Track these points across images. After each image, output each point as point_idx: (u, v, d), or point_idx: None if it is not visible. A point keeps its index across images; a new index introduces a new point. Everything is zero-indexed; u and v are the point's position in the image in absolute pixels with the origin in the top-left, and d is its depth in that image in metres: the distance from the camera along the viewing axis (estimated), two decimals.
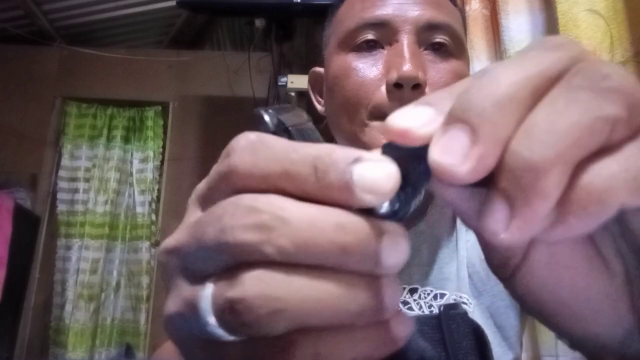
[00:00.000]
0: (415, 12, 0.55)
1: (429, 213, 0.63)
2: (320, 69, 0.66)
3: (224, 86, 2.82)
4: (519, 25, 1.09)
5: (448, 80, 0.55)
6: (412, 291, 0.59)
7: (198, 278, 0.19)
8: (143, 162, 2.88)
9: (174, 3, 2.01)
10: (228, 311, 0.18)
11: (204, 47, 3.12)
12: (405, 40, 0.54)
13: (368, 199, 0.17)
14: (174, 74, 2.93)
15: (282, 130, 0.22)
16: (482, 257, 0.62)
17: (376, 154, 0.18)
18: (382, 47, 0.56)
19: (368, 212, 0.18)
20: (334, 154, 0.18)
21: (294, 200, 0.18)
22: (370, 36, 0.56)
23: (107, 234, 2.74)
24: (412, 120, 0.19)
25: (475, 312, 0.57)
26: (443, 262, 0.60)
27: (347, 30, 0.58)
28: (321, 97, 0.66)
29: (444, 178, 0.18)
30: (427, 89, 0.53)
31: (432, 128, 0.18)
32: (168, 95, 2.90)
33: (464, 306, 0.57)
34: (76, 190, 2.79)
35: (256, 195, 0.19)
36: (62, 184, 2.78)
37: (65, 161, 2.81)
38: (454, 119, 0.18)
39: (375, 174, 0.17)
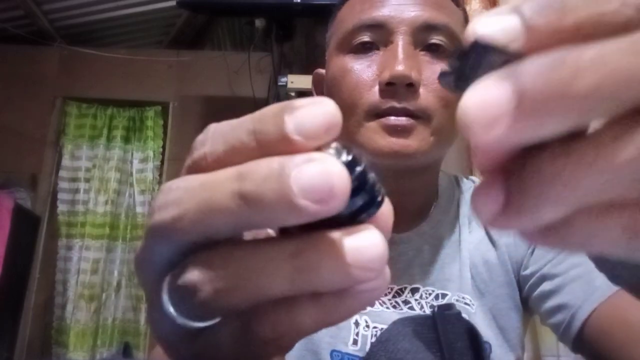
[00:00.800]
0: (412, 13, 0.56)
1: (431, 213, 0.63)
2: (323, 71, 0.67)
3: (224, 86, 2.82)
4: None
5: None
6: (414, 291, 0.59)
7: (159, 278, 0.20)
8: (143, 162, 2.87)
9: (174, 3, 2.01)
10: (179, 298, 0.18)
11: (204, 47, 3.11)
12: (400, 41, 0.54)
13: (308, 144, 0.17)
14: (174, 74, 2.92)
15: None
16: (485, 258, 0.62)
17: (311, 99, 0.18)
18: (378, 49, 0.57)
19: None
20: (268, 111, 0.18)
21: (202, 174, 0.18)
22: (366, 38, 0.56)
23: (107, 234, 2.74)
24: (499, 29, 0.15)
25: (477, 313, 0.57)
26: (445, 263, 0.60)
27: (345, 32, 0.58)
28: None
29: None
30: (421, 89, 0.53)
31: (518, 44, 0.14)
32: (168, 95, 2.90)
33: (466, 307, 0.57)
34: (76, 191, 2.79)
35: (175, 180, 0.19)
36: (62, 184, 2.78)
37: (65, 161, 2.81)
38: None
39: (311, 116, 0.17)
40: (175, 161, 2.81)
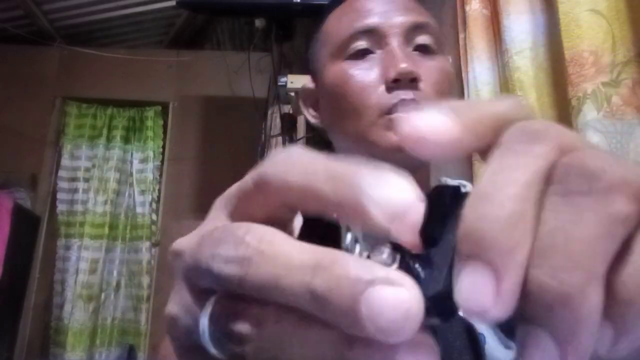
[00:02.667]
0: (399, 17, 0.60)
1: None
2: (310, 86, 0.69)
3: (224, 86, 2.82)
4: (520, 26, 1.09)
5: (436, 76, 0.59)
6: None
7: (200, 290, 0.20)
8: (143, 162, 2.87)
9: (174, 3, 2.01)
10: (224, 341, 0.18)
11: (204, 47, 3.11)
12: (396, 43, 0.58)
13: (381, 217, 0.16)
14: (174, 74, 2.93)
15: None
16: None
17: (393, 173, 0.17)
18: (373, 53, 0.60)
19: None
20: (351, 169, 0.17)
21: (285, 234, 0.18)
22: (361, 44, 0.60)
23: (107, 234, 2.74)
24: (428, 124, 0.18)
25: None
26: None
27: (340, 40, 0.61)
28: (314, 109, 0.69)
29: (479, 319, 0.16)
30: (422, 85, 0.57)
31: (446, 137, 0.18)
32: (168, 95, 2.90)
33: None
34: (76, 190, 2.79)
35: (250, 225, 0.18)
36: (62, 184, 2.78)
37: (65, 161, 2.81)
38: (468, 256, 0.16)
39: (392, 195, 0.16)
40: (175, 161, 2.81)
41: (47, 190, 2.77)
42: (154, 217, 2.81)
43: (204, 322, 0.19)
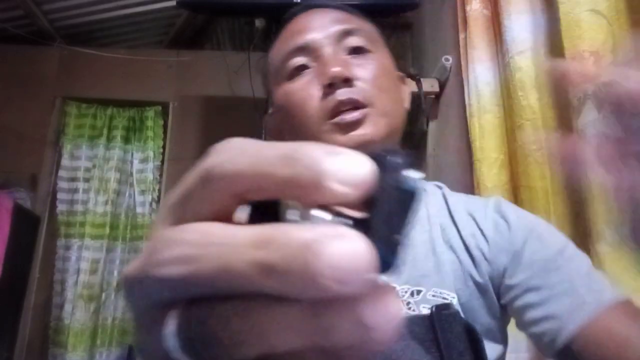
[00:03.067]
0: (328, 29, 0.64)
1: None
2: (269, 114, 0.72)
3: (224, 86, 2.82)
4: (521, 26, 1.09)
5: (372, 70, 0.62)
6: None
7: (156, 308, 0.19)
8: (143, 162, 2.87)
9: (174, 3, 2.01)
10: (199, 348, 0.18)
11: (204, 47, 3.11)
12: (327, 51, 0.62)
13: (341, 191, 0.17)
14: (174, 74, 2.92)
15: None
16: (462, 259, 0.64)
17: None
18: (309, 67, 0.63)
19: None
20: (307, 146, 0.18)
21: (225, 224, 0.18)
22: (297, 62, 0.64)
23: (107, 234, 2.74)
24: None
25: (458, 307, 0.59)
26: (418, 260, 0.62)
27: (277, 66, 0.66)
28: (281, 136, 0.69)
29: None
30: (359, 83, 0.60)
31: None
32: (168, 95, 2.90)
33: (445, 302, 0.58)
34: (76, 190, 2.79)
35: (190, 225, 0.18)
36: (62, 184, 2.78)
37: (65, 161, 2.81)
38: None
39: (352, 163, 0.17)
40: (175, 161, 2.81)
41: (47, 190, 2.76)
42: (154, 217, 2.81)
43: (170, 338, 0.18)
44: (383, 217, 0.17)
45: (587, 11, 0.85)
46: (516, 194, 1.10)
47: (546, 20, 1.06)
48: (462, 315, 0.57)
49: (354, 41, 0.64)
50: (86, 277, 2.66)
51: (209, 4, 2.12)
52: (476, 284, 0.60)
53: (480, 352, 0.53)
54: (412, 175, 0.18)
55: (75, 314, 2.61)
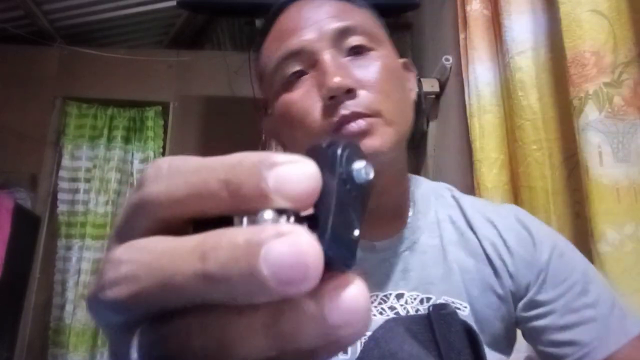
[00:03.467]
0: (322, 29, 0.58)
1: (410, 219, 0.64)
2: (269, 118, 0.68)
3: (224, 86, 2.82)
4: (521, 26, 1.09)
5: (376, 74, 0.57)
6: (399, 296, 0.59)
7: (122, 328, 0.19)
8: (143, 162, 2.87)
9: (174, 3, 2.01)
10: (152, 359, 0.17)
11: (204, 47, 3.11)
12: (325, 57, 0.56)
13: (288, 206, 0.16)
14: (174, 74, 2.92)
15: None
16: (479, 268, 0.62)
17: (292, 155, 0.17)
18: (306, 73, 0.58)
19: None
20: (245, 161, 0.17)
21: (164, 237, 0.17)
22: (292, 68, 0.58)
23: (108, 234, 2.74)
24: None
25: (467, 317, 0.58)
26: (427, 266, 0.61)
27: (271, 73, 0.60)
28: (277, 139, 0.67)
29: None
30: (361, 91, 0.55)
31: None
32: (168, 95, 2.90)
33: (458, 312, 0.57)
34: (77, 191, 2.79)
35: (129, 243, 0.18)
36: (62, 184, 2.78)
37: (65, 161, 2.81)
38: None
39: (294, 177, 0.16)
40: None
41: (47, 191, 2.76)
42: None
43: (134, 357, 0.18)
44: (332, 212, 0.16)
45: (588, 11, 0.85)
46: (516, 194, 1.10)
47: (547, 21, 1.06)
48: (473, 323, 0.57)
49: (353, 40, 0.58)
50: (87, 278, 2.66)
51: (209, 4, 2.11)
52: (497, 294, 0.59)
53: (478, 351, 0.53)
54: (361, 166, 0.18)
55: (76, 315, 2.61)
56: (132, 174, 2.88)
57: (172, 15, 2.85)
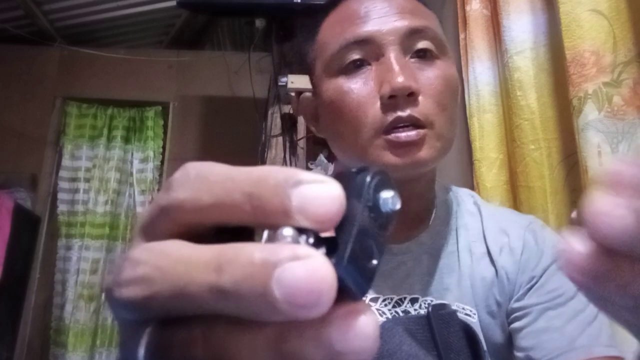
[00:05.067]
0: (394, 23, 0.56)
1: (431, 224, 0.63)
2: (308, 94, 0.66)
3: (224, 86, 2.82)
4: (521, 26, 1.09)
5: (437, 84, 0.56)
6: (413, 301, 0.59)
7: (134, 324, 0.19)
8: (143, 162, 2.87)
9: (174, 3, 2.01)
10: None
11: (204, 47, 3.11)
12: (392, 53, 0.55)
13: (309, 226, 0.16)
14: (174, 74, 2.92)
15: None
16: (484, 274, 0.62)
17: (319, 175, 0.17)
18: (369, 64, 0.56)
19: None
20: (271, 176, 0.17)
21: (184, 243, 0.17)
22: (355, 55, 0.56)
23: (107, 234, 2.74)
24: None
25: (475, 324, 0.57)
26: (444, 273, 0.60)
27: (331, 54, 0.58)
28: (315, 120, 0.66)
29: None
30: (422, 99, 0.54)
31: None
32: (168, 95, 2.90)
33: (467, 317, 0.57)
34: (76, 191, 2.79)
35: (150, 244, 0.18)
36: (62, 184, 2.78)
37: (65, 161, 2.81)
38: None
39: (318, 198, 0.16)
40: (175, 161, 2.81)
41: (47, 190, 2.77)
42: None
43: (141, 353, 0.18)
44: (352, 238, 0.16)
45: (588, 11, 0.85)
46: (515, 193, 1.10)
47: (546, 20, 1.05)
48: (480, 331, 0.57)
49: (422, 44, 0.56)
50: (86, 277, 2.66)
51: (209, 4, 2.11)
52: (496, 302, 0.59)
53: (478, 350, 0.52)
54: (389, 196, 0.18)
55: (76, 314, 2.61)
56: (131, 173, 2.88)
57: (172, 15, 2.85)
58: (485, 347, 0.56)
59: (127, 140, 2.91)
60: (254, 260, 0.15)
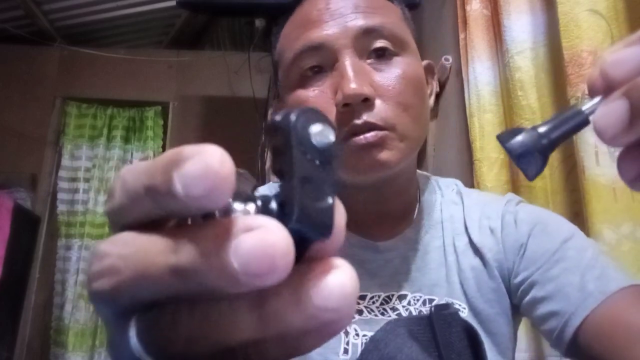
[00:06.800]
0: (347, 24, 0.55)
1: (415, 219, 0.63)
2: (277, 103, 0.66)
3: (224, 86, 2.82)
4: (521, 26, 1.09)
5: (396, 84, 0.55)
6: (401, 297, 0.59)
7: (119, 316, 0.19)
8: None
9: (174, 3, 2.01)
10: (148, 343, 0.18)
11: (204, 47, 3.11)
12: (346, 58, 0.54)
13: (208, 202, 0.16)
14: (174, 74, 2.93)
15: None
16: (472, 264, 0.61)
17: (198, 147, 0.16)
18: (326, 71, 0.56)
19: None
20: (158, 163, 0.17)
21: (144, 232, 0.18)
22: (311, 62, 0.56)
23: (107, 234, 2.74)
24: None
25: (467, 318, 0.57)
26: (431, 268, 0.60)
27: (288, 64, 0.57)
28: None
29: (607, 143, 0.23)
30: (378, 101, 0.53)
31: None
32: (168, 95, 2.90)
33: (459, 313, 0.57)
34: (76, 190, 2.79)
35: (114, 237, 0.18)
36: (62, 184, 2.78)
37: (65, 161, 2.81)
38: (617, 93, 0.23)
39: (193, 174, 0.16)
40: None
41: (47, 190, 2.77)
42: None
43: (134, 342, 0.18)
44: (295, 188, 0.16)
45: (586, 11, 0.85)
46: (516, 193, 1.10)
47: (546, 20, 1.06)
48: (473, 324, 0.56)
49: (377, 42, 0.55)
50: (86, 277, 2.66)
51: (209, 4, 2.11)
52: (490, 289, 0.58)
53: (479, 351, 0.52)
54: (318, 130, 0.17)
55: (76, 314, 2.61)
56: None
57: (172, 15, 2.85)
58: (485, 347, 0.56)
59: (127, 140, 2.91)
60: (209, 237, 0.16)
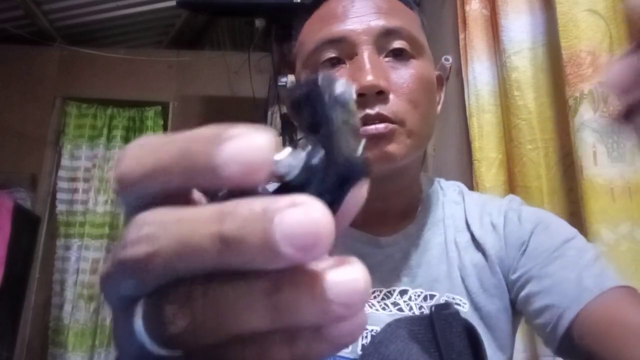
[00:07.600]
0: (370, 22, 0.57)
1: (417, 215, 0.64)
2: (292, 85, 0.68)
3: (224, 86, 2.82)
4: (519, 26, 1.09)
5: (410, 82, 0.57)
6: (402, 293, 0.59)
7: (129, 301, 0.19)
8: None
9: (174, 3, 2.01)
10: (154, 327, 0.18)
11: (204, 47, 3.11)
12: (365, 52, 0.56)
13: (245, 181, 0.16)
14: (174, 74, 2.93)
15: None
16: (473, 261, 0.62)
17: (247, 127, 0.17)
18: (345, 63, 0.58)
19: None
20: (199, 136, 0.17)
21: (180, 207, 0.18)
22: (330, 54, 0.58)
23: (107, 233, 2.74)
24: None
25: (468, 313, 0.57)
26: (432, 264, 0.61)
27: (308, 52, 0.60)
28: None
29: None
30: (392, 97, 0.55)
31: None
32: (168, 95, 2.90)
33: (458, 307, 0.57)
34: (76, 190, 2.80)
35: (147, 211, 0.18)
36: (62, 184, 2.78)
37: (65, 161, 2.81)
38: None
39: (242, 153, 0.16)
40: None
41: (47, 190, 2.77)
42: None
43: (139, 326, 0.18)
44: (339, 128, 0.18)
45: (585, 11, 0.85)
46: (513, 193, 1.10)
47: (544, 20, 1.06)
48: (474, 321, 0.56)
49: (396, 43, 0.57)
50: (86, 277, 2.66)
51: (209, 4, 2.12)
52: (492, 285, 0.59)
53: (480, 351, 0.52)
54: (343, 86, 0.19)
55: (75, 314, 2.61)
56: None
57: (172, 15, 2.85)
58: (485, 347, 0.56)
59: (126, 140, 2.91)
60: (255, 209, 0.16)
